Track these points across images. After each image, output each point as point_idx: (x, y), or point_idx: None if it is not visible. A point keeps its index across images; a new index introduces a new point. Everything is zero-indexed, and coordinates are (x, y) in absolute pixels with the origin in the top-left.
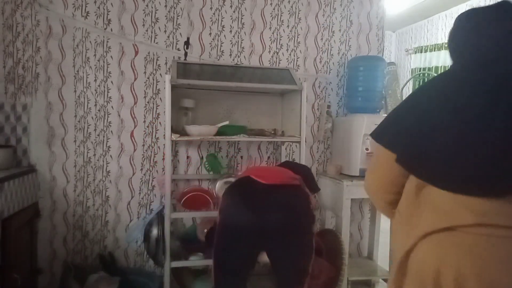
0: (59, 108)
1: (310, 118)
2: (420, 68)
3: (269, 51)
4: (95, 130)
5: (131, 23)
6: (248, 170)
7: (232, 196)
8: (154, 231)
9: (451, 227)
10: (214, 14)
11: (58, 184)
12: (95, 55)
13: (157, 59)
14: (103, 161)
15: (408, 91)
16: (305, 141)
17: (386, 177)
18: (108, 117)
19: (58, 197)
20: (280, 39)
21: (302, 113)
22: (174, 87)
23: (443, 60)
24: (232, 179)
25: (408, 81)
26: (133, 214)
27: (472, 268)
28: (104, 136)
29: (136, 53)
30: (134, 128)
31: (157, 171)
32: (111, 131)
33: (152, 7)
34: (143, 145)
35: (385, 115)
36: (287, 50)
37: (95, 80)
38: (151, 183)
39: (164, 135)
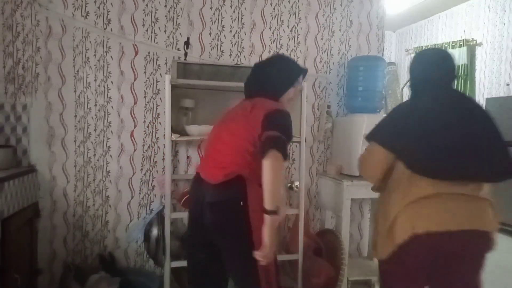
0: (59, 108)
1: (310, 118)
2: None
3: (269, 51)
4: (95, 130)
5: (131, 23)
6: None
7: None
8: (154, 231)
9: (425, 197)
10: (214, 14)
11: (58, 184)
12: (95, 55)
13: (157, 59)
14: (103, 161)
15: (408, 91)
16: (305, 141)
17: (381, 165)
18: (108, 117)
19: (58, 197)
20: (280, 39)
21: (302, 113)
22: (174, 87)
23: None
24: None
25: (408, 81)
26: (133, 214)
27: (433, 213)
28: (104, 136)
29: (136, 53)
30: (134, 128)
31: (157, 171)
32: (111, 131)
33: (152, 7)
34: (143, 145)
35: (385, 115)
36: (287, 50)
37: (95, 80)
38: (151, 183)
39: (164, 135)
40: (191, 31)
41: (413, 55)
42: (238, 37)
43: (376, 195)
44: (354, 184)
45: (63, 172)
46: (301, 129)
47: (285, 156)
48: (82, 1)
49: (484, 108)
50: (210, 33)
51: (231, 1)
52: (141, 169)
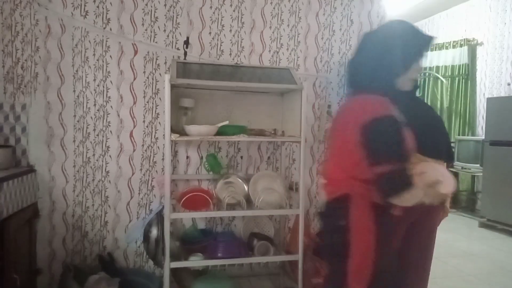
0: (58, 108)
1: (310, 118)
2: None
3: (269, 51)
4: (94, 130)
5: (131, 22)
6: None
7: None
8: (154, 232)
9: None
10: (213, 13)
11: (57, 184)
12: (94, 54)
13: (156, 59)
14: (103, 161)
15: None
16: (305, 141)
17: None
18: (107, 117)
19: (57, 197)
20: (280, 38)
21: (302, 113)
22: (173, 87)
23: (443, 59)
24: (232, 179)
25: None
26: (133, 214)
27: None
28: (103, 136)
29: (136, 52)
30: (134, 128)
31: (156, 171)
32: (110, 131)
33: (151, 6)
34: (143, 145)
35: None
36: (287, 49)
37: (94, 80)
38: (151, 183)
39: (163, 135)
40: (190, 30)
41: None
42: (238, 37)
43: None
44: None
45: (62, 172)
46: (301, 129)
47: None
48: (81, 1)
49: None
50: (210, 33)
51: (231, 0)
52: (141, 169)
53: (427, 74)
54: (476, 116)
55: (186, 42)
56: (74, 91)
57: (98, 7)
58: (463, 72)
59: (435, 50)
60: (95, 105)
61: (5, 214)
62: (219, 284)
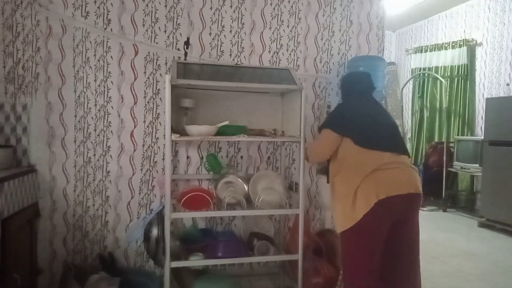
0: (59, 108)
1: (310, 118)
2: (420, 68)
3: (269, 51)
4: (95, 130)
5: (131, 23)
6: None
7: None
8: (154, 231)
9: (376, 169)
10: (214, 14)
11: (58, 184)
12: (95, 55)
13: (157, 59)
14: (103, 161)
15: (408, 91)
16: (305, 141)
17: (331, 146)
18: (108, 117)
19: (58, 197)
20: (280, 39)
21: (302, 113)
22: (174, 87)
23: (443, 60)
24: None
25: (408, 81)
26: (133, 214)
27: (387, 181)
28: (104, 136)
29: (136, 53)
30: (134, 128)
31: (157, 171)
32: (111, 131)
33: (152, 7)
34: (143, 145)
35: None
36: (287, 50)
37: (95, 80)
38: (151, 183)
39: (164, 135)
40: (191, 31)
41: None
42: (238, 37)
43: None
44: None
45: (63, 172)
46: (301, 129)
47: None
48: (82, 1)
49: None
50: (210, 33)
51: (231, 1)
52: (141, 169)
53: (426, 74)
54: (475, 116)
55: (187, 43)
56: (75, 91)
57: (99, 7)
58: (463, 73)
59: (434, 50)
60: (95, 105)
61: (6, 214)
62: (219, 283)
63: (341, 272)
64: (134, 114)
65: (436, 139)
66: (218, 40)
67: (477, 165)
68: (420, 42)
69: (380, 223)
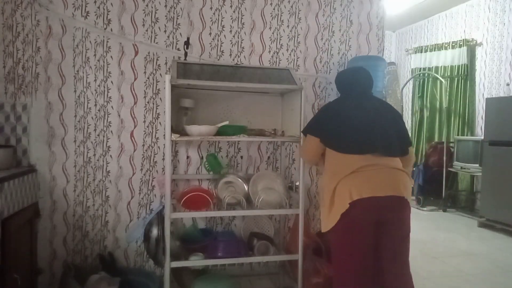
0: (59, 108)
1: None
2: (420, 68)
3: (269, 51)
4: (95, 130)
5: (131, 23)
6: None
7: None
8: (154, 231)
9: (352, 171)
10: (214, 14)
11: (58, 184)
12: (95, 55)
13: (157, 59)
14: (103, 161)
15: (408, 91)
16: None
17: (315, 151)
18: (108, 117)
19: (58, 197)
20: (280, 39)
21: (302, 113)
22: (174, 87)
23: (443, 60)
24: (232, 179)
25: (408, 81)
26: (133, 214)
27: (362, 183)
28: (104, 136)
29: (136, 53)
30: (134, 128)
31: (157, 171)
32: (111, 131)
33: (152, 7)
34: (143, 145)
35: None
36: (287, 50)
37: (95, 80)
38: (151, 183)
39: (164, 135)
40: (191, 31)
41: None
42: (238, 37)
43: None
44: None
45: (63, 172)
46: (301, 129)
47: None
48: (82, 1)
49: (390, 105)
50: (210, 33)
51: (231, 1)
52: (141, 169)
53: (426, 74)
54: (475, 116)
55: (187, 43)
56: (75, 91)
57: (99, 7)
58: (462, 73)
59: (434, 50)
60: (95, 105)
61: (6, 214)
62: (219, 283)
63: None
64: (134, 114)
65: (436, 139)
66: (218, 40)
67: (477, 165)
68: (420, 42)
69: (358, 223)
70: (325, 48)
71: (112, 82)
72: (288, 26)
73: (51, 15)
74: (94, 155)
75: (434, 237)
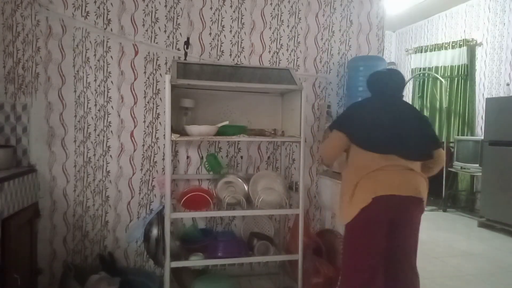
0: (59, 108)
1: (310, 118)
2: (420, 68)
3: (269, 51)
4: (95, 130)
5: (131, 23)
6: None
7: None
8: (154, 231)
9: (377, 169)
10: (214, 14)
11: (58, 184)
12: (95, 55)
13: (157, 59)
14: (103, 161)
15: (408, 91)
16: (305, 141)
17: (339, 147)
18: (108, 117)
19: (58, 197)
20: (280, 39)
21: (302, 113)
22: (174, 87)
23: (443, 60)
24: (232, 179)
25: (408, 81)
26: (133, 214)
27: (385, 181)
28: (104, 136)
29: (136, 53)
30: (134, 128)
31: (157, 171)
32: (111, 131)
33: (152, 7)
34: (143, 145)
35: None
36: (287, 50)
37: (95, 80)
38: (151, 183)
39: (164, 135)
40: (191, 31)
41: (413, 55)
42: (238, 37)
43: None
44: None
45: (63, 172)
46: (301, 129)
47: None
48: (82, 1)
49: (418, 110)
50: (210, 33)
51: (231, 1)
52: (141, 169)
53: (426, 74)
54: (475, 116)
55: (187, 43)
56: (75, 91)
57: (99, 7)
58: (463, 73)
59: (434, 50)
60: (95, 105)
61: (6, 214)
62: (219, 283)
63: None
64: (134, 114)
65: None
66: (218, 40)
67: (477, 165)
68: (420, 42)
69: (376, 219)
70: (325, 48)
71: (112, 82)
72: (288, 26)
73: (51, 15)
74: (94, 155)
75: (434, 237)
